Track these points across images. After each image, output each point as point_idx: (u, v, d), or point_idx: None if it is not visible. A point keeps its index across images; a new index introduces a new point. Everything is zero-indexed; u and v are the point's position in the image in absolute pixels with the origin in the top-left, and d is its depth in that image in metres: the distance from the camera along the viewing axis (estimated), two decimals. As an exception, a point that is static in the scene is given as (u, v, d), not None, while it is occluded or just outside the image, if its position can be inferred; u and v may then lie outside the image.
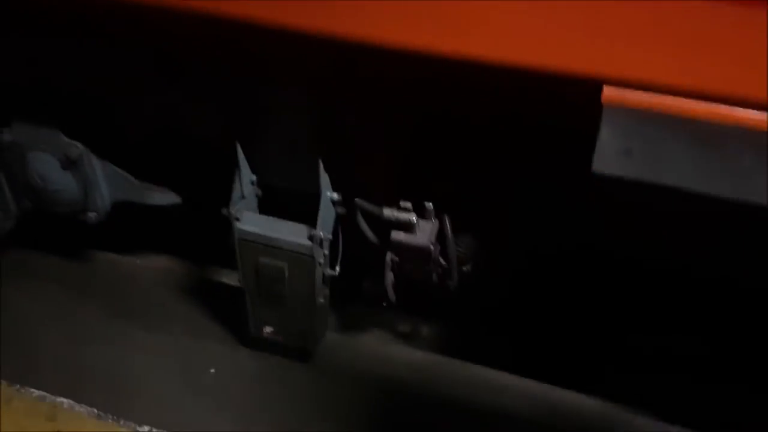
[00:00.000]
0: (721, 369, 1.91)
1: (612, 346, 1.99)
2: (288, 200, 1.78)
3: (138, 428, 1.82)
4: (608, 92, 1.10)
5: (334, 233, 1.77)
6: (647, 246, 1.33)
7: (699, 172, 1.08)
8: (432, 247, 1.67)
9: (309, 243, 1.69)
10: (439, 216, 1.68)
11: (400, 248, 1.70)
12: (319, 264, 1.73)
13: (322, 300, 1.83)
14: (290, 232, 1.71)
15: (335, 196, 1.72)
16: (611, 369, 1.97)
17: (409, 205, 1.65)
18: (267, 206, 1.82)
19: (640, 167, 1.12)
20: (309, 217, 1.71)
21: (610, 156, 1.13)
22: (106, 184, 1.97)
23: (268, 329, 1.92)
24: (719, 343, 1.91)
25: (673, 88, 1.07)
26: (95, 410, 1.85)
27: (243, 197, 1.74)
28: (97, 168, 1.94)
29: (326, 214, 1.71)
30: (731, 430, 1.79)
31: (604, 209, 1.50)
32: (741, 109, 1.04)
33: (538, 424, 1.85)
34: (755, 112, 1.03)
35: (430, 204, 1.65)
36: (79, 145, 1.87)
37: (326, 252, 1.75)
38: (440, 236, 1.70)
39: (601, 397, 1.91)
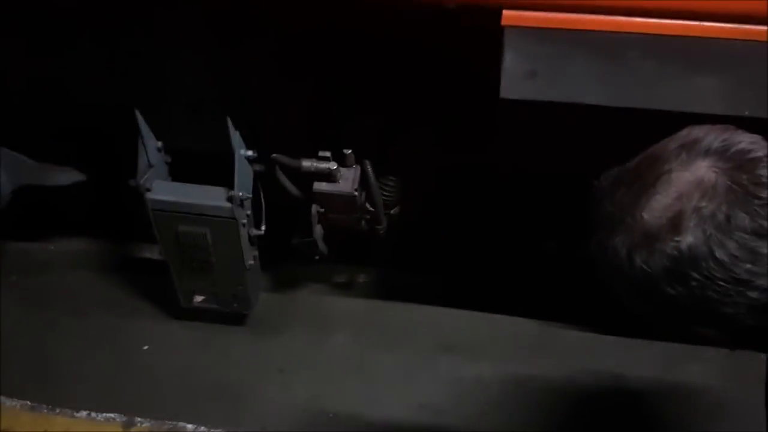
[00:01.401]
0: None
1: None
2: (201, 164, 1.71)
3: (75, 414, 1.76)
4: (507, 15, 1.08)
5: (255, 191, 1.71)
6: (555, 158, 1.34)
7: (604, 85, 1.09)
8: (356, 193, 1.64)
9: (229, 204, 1.63)
10: (360, 162, 1.65)
11: (324, 199, 1.67)
12: (243, 225, 1.68)
13: (251, 261, 1.78)
14: (207, 196, 1.64)
15: (250, 153, 1.66)
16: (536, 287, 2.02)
17: (328, 154, 1.62)
18: (179, 173, 1.74)
19: (546, 88, 1.11)
20: (226, 180, 1.64)
21: (516, 80, 1.12)
22: (3, 170, 1.84)
23: (198, 299, 1.87)
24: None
25: (570, 4, 1.06)
26: (28, 402, 1.78)
27: (151, 166, 1.66)
28: (-10, 153, 1.81)
29: (243, 173, 1.65)
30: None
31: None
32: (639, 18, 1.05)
33: (480, 354, 1.89)
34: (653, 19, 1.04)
35: (350, 150, 1.62)
36: (-34, 130, 1.74)
37: (248, 212, 1.70)
38: (363, 182, 1.67)
39: (536, 318, 1.97)
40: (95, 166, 1.87)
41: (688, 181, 0.70)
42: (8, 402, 1.79)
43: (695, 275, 0.68)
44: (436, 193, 1.93)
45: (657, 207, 0.70)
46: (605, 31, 1.05)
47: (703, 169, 0.70)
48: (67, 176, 1.85)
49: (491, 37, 1.15)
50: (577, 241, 0.83)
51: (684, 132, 0.75)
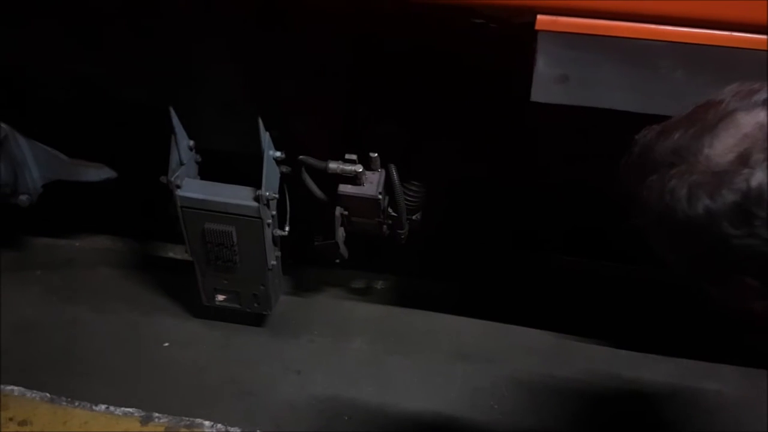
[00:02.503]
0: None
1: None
2: (230, 163, 1.74)
3: (94, 407, 1.77)
4: (542, 20, 1.11)
5: (281, 192, 1.75)
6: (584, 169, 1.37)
7: (635, 92, 1.11)
8: (380, 197, 1.67)
9: (255, 204, 1.66)
10: (385, 166, 1.68)
11: (348, 201, 1.69)
12: (268, 225, 1.71)
13: (273, 262, 1.81)
14: (235, 195, 1.68)
15: (278, 154, 1.69)
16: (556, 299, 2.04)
17: (354, 157, 1.65)
18: (208, 172, 1.78)
19: (577, 93, 1.14)
20: (253, 180, 1.68)
21: (547, 84, 1.15)
22: (36, 164, 1.89)
23: (220, 297, 1.89)
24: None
25: (604, 10, 1.09)
26: (48, 394, 1.80)
27: (182, 164, 1.69)
28: (25, 148, 1.85)
29: (270, 174, 1.68)
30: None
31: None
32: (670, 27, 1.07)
33: (497, 363, 1.90)
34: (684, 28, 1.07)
35: (376, 154, 1.65)
36: (2, 125, 1.78)
37: (274, 212, 1.73)
38: (388, 186, 1.70)
39: (552, 329, 1.98)
40: (123, 164, 1.92)
41: (752, 123, 0.71)
42: (28, 393, 1.81)
43: (760, 213, 0.68)
44: (457, 201, 1.96)
45: (723, 145, 0.71)
46: (637, 39, 1.08)
47: (763, 115, 0.71)
48: (98, 173, 1.89)
49: (521, 44, 1.19)
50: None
51: (735, 85, 0.76)
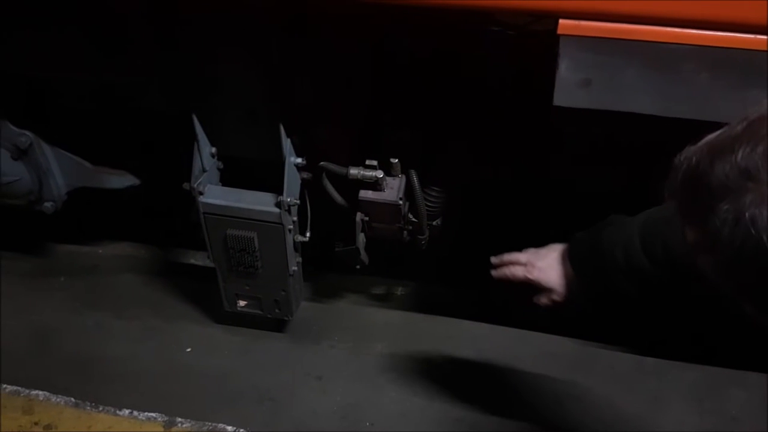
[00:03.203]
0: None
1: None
2: (251, 170, 1.76)
3: (118, 412, 1.79)
4: (564, 24, 1.11)
5: (301, 198, 1.75)
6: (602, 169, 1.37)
7: (658, 96, 1.10)
8: (401, 202, 1.67)
9: (277, 210, 1.67)
10: (405, 171, 1.68)
11: (369, 207, 1.70)
12: (289, 230, 1.72)
13: (295, 267, 1.82)
14: (256, 201, 1.69)
15: (299, 160, 1.70)
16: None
17: (374, 162, 1.65)
18: (230, 178, 1.79)
19: (600, 96, 1.14)
20: (274, 186, 1.69)
21: (570, 88, 1.14)
22: (60, 172, 1.92)
23: (242, 303, 1.90)
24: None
25: (626, 14, 1.08)
26: (72, 399, 1.82)
27: (204, 170, 1.71)
28: (49, 155, 1.88)
29: (292, 180, 1.69)
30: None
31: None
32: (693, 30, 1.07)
33: (518, 370, 1.89)
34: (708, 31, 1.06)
35: (396, 160, 1.65)
36: (28, 133, 1.81)
37: (295, 218, 1.74)
38: (408, 192, 1.70)
39: (576, 336, 1.96)
40: (146, 171, 1.94)
41: None
42: (53, 398, 1.83)
43: None
44: (478, 206, 1.96)
45: None
46: (660, 42, 1.07)
47: None
48: (121, 180, 1.91)
49: (542, 48, 1.19)
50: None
51: None
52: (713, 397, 1.81)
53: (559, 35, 1.11)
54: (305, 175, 1.75)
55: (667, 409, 1.79)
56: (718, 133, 0.73)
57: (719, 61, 1.07)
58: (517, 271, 1.44)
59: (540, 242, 2.05)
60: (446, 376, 1.88)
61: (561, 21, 1.10)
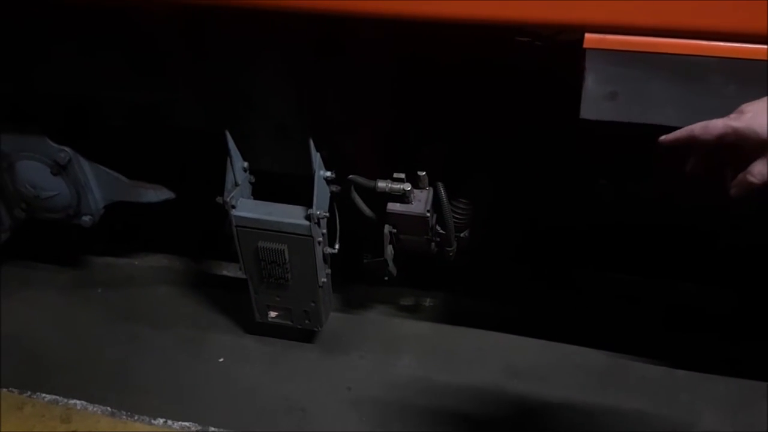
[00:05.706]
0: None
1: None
2: (282, 183, 1.79)
3: (153, 421, 1.83)
4: (590, 38, 1.12)
5: (330, 211, 1.78)
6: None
7: (685, 107, 1.11)
8: (428, 215, 1.69)
9: (307, 223, 1.70)
10: (433, 184, 1.70)
11: (397, 219, 1.72)
12: (318, 243, 1.74)
13: (324, 279, 1.84)
14: (287, 214, 1.73)
15: (328, 174, 1.73)
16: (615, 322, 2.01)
17: (402, 175, 1.67)
18: (262, 192, 1.83)
19: (626, 109, 1.14)
20: (304, 199, 1.72)
21: (597, 101, 1.15)
22: (98, 187, 1.98)
23: (272, 314, 1.93)
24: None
25: (651, 28, 1.09)
26: (109, 408, 1.87)
27: (237, 185, 1.75)
28: (87, 171, 1.94)
29: (321, 193, 1.73)
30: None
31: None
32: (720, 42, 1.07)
33: (548, 382, 1.89)
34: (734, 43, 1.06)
35: (424, 173, 1.67)
36: (67, 149, 1.88)
37: (324, 230, 1.77)
38: (436, 204, 1.72)
39: (606, 349, 1.95)
40: (181, 185, 1.99)
41: None
42: (90, 407, 1.88)
43: None
44: (505, 218, 1.96)
45: None
46: (686, 55, 1.08)
47: None
48: (156, 194, 1.97)
49: (568, 62, 1.20)
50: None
51: None
52: (746, 410, 1.79)
53: (585, 49, 1.12)
54: (334, 188, 1.78)
55: (699, 422, 1.77)
56: None
57: (747, 73, 1.07)
58: (715, 124, 0.97)
59: (569, 255, 2.07)
60: (475, 387, 1.89)
61: (587, 35, 1.12)
